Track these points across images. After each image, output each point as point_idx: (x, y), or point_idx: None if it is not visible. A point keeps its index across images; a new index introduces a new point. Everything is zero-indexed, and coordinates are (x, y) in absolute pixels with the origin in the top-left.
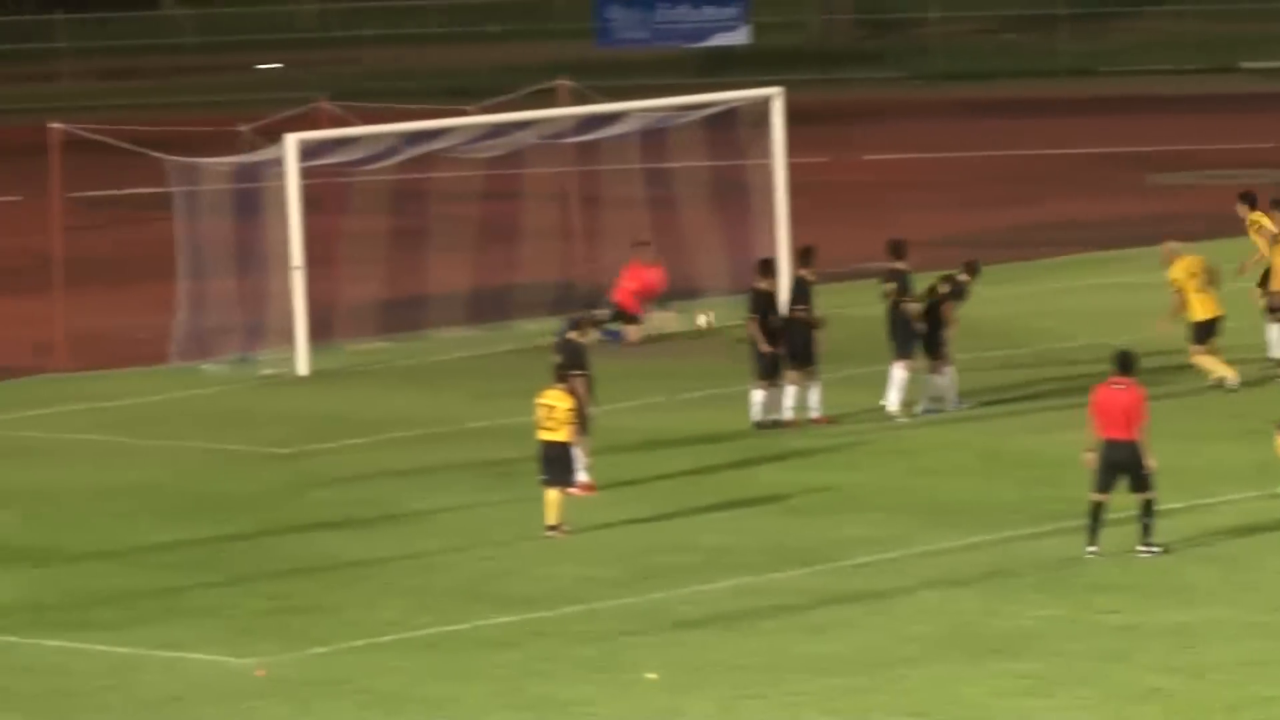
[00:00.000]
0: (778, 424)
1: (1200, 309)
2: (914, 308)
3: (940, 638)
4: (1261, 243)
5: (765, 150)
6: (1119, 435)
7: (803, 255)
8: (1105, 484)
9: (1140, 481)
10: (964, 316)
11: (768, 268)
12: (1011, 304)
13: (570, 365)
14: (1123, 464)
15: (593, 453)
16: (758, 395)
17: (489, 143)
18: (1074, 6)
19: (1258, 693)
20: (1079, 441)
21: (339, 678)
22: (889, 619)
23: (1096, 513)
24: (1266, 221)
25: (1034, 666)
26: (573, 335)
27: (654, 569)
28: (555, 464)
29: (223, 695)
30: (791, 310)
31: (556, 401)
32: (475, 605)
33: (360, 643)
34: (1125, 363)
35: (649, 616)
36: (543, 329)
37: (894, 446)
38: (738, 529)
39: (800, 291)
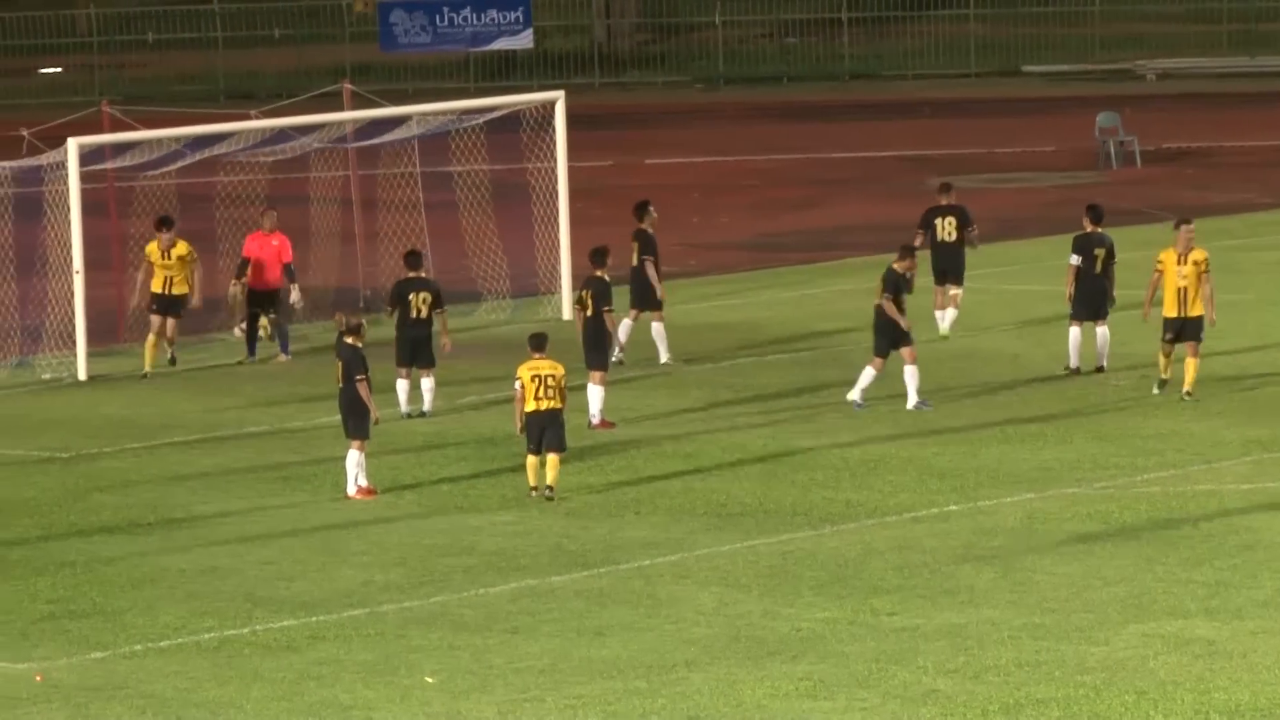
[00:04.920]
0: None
1: None
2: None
3: (720, 640)
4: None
5: (548, 154)
6: None
7: (597, 255)
8: None
9: None
10: (747, 319)
11: (604, 256)
12: (794, 306)
13: (353, 371)
14: None
15: (373, 455)
16: (598, 392)
17: (272, 147)
18: (856, 10)
19: (1034, 693)
20: (858, 443)
21: (117, 683)
22: (669, 622)
23: None
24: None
25: (813, 668)
26: (350, 340)
27: (435, 572)
28: (557, 430)
29: None
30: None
31: (552, 369)
32: (255, 609)
33: (140, 647)
34: None
35: (429, 620)
36: (325, 332)
37: (674, 449)
38: (518, 532)
39: (608, 294)
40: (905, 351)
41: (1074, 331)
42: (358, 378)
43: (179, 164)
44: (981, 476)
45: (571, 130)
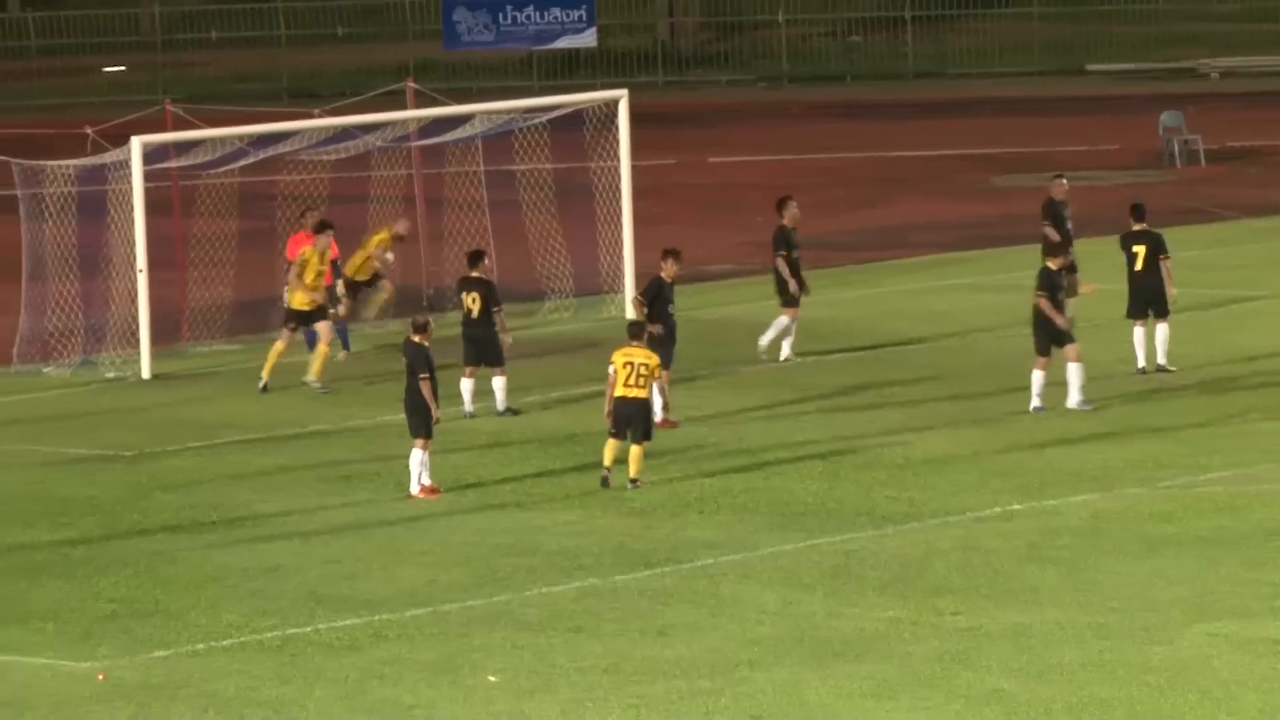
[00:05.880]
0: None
1: None
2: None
3: (783, 640)
4: None
5: (611, 152)
6: None
7: (664, 255)
8: None
9: None
10: (810, 317)
11: (669, 254)
12: (857, 305)
13: (416, 369)
14: None
15: (436, 454)
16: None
17: (335, 146)
18: (920, 9)
19: (1098, 694)
20: (921, 443)
21: (179, 681)
22: (732, 621)
23: None
24: None
25: (877, 669)
26: (416, 338)
27: (498, 572)
28: (639, 420)
29: (60, 700)
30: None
31: (646, 359)
32: (318, 608)
33: (201, 646)
34: None
35: (493, 619)
36: (386, 331)
37: (738, 448)
38: (582, 531)
39: (661, 293)
40: (1069, 349)
41: (1137, 331)
42: (421, 376)
43: (242, 162)
44: (1045, 476)
45: (634, 129)
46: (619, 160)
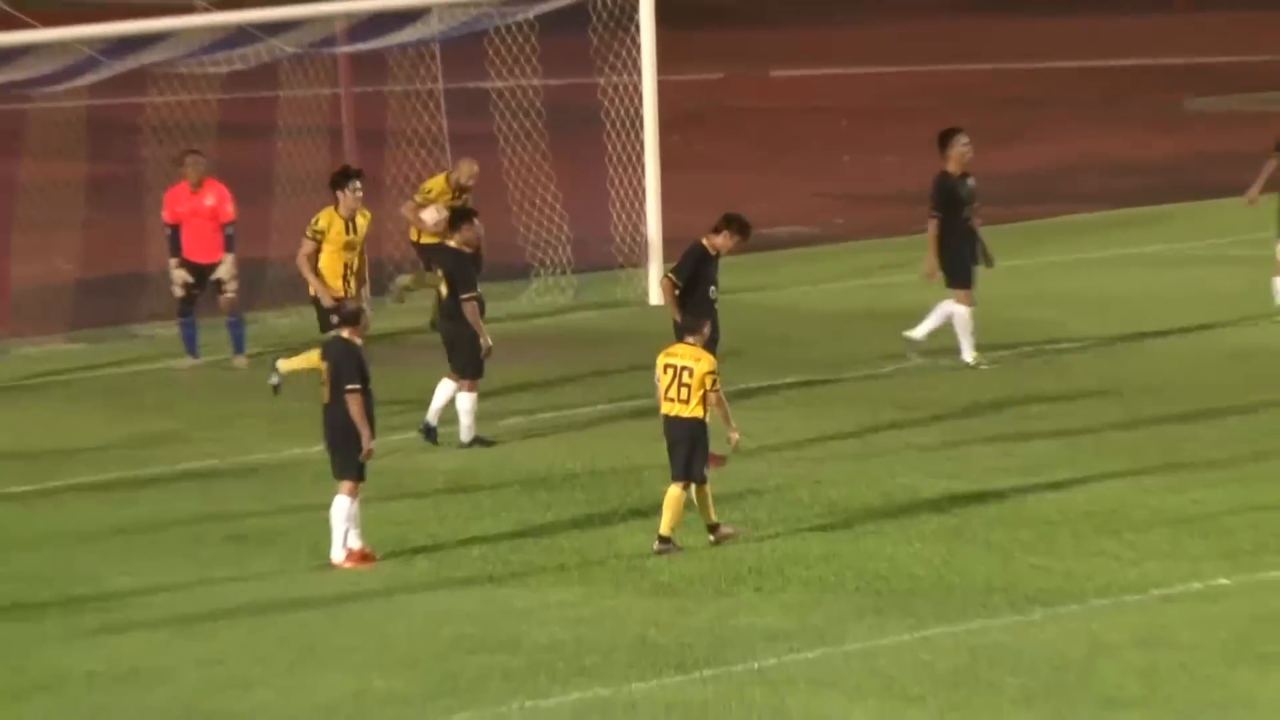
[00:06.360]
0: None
1: None
2: None
3: None
4: None
5: (628, 64)
6: None
7: (727, 223)
8: None
9: None
10: (918, 302)
11: (734, 225)
12: (993, 285)
13: (343, 376)
14: None
15: (370, 503)
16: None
17: (227, 53)
18: None
19: None
20: (1084, 488)
21: None
22: None
23: None
24: None
25: None
26: (344, 334)
27: (460, 677)
28: (682, 449)
29: None
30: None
31: (692, 360)
32: None
33: None
34: None
35: None
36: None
37: (812, 495)
38: (583, 617)
39: (702, 269)
40: None
41: None
42: (348, 388)
43: (91, 78)
44: (1264, 534)
45: (663, 30)
46: (639, 75)
